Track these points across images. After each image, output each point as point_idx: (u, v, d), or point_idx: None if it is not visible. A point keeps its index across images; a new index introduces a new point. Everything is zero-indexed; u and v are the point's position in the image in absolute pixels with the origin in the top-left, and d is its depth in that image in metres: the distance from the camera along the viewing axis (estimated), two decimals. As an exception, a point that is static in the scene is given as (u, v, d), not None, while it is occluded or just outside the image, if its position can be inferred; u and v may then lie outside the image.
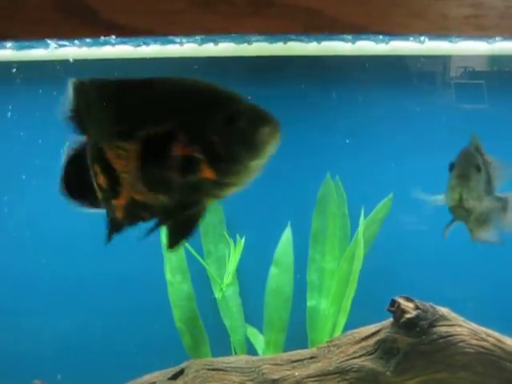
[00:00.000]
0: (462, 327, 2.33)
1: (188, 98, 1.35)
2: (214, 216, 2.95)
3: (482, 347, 2.31)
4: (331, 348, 2.47)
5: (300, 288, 2.98)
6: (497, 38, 2.36)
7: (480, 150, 2.08)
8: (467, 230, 2.17)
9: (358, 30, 1.34)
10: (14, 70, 2.87)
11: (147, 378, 2.63)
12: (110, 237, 1.53)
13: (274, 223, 2.99)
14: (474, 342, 2.31)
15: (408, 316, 2.31)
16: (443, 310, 2.35)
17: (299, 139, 2.99)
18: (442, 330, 2.32)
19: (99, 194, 1.50)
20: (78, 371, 2.96)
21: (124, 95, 1.40)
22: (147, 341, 3.00)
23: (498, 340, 2.34)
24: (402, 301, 2.34)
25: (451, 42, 2.59)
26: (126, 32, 1.46)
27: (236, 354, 2.91)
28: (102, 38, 1.50)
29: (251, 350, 2.96)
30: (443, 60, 3.02)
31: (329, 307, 2.88)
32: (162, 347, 2.95)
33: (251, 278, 3.05)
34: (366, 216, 2.86)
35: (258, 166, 1.34)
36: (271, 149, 1.32)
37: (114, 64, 2.70)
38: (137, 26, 1.45)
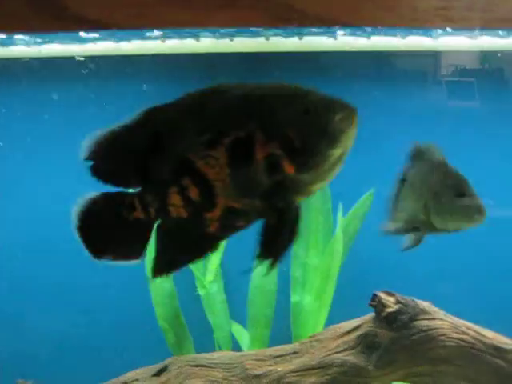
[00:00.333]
0: (442, 321, 2.34)
1: (260, 97, 1.36)
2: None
3: (463, 340, 2.32)
4: (314, 343, 2.47)
5: (285, 284, 2.99)
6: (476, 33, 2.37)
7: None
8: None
9: (327, 22, 1.34)
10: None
11: (131, 374, 2.62)
12: (204, 255, 1.47)
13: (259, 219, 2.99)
14: (454, 335, 2.32)
15: (389, 310, 2.31)
16: (424, 304, 2.36)
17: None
18: (423, 323, 2.32)
19: (182, 212, 1.43)
20: (61, 369, 2.96)
21: (203, 105, 1.39)
22: (131, 338, 2.99)
23: (479, 333, 2.34)
24: (382, 295, 2.34)
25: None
26: (96, 26, 1.45)
27: (221, 350, 2.92)
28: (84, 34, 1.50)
29: (236, 347, 2.97)
30: (425, 56, 3.04)
31: (312, 302, 2.89)
32: (147, 345, 2.95)
33: (237, 274, 3.05)
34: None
35: (338, 157, 1.33)
36: (349, 137, 1.32)
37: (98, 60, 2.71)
38: (107, 20, 1.44)
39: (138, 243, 1.47)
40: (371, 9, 1.41)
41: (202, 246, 1.46)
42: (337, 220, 2.93)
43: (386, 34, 2.72)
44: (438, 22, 1.40)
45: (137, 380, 2.61)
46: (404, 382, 2.45)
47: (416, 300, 2.35)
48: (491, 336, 2.35)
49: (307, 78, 2.98)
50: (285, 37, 2.76)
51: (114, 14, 1.44)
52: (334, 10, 1.38)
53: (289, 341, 2.79)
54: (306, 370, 2.41)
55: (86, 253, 1.46)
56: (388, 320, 2.31)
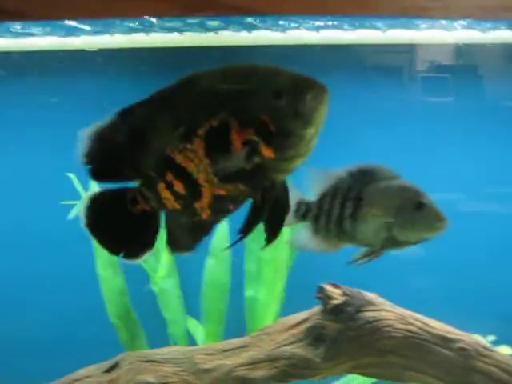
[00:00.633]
0: (388, 312, 2.35)
1: (230, 83, 1.36)
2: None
3: (409, 331, 2.33)
4: (262, 336, 2.46)
5: (242, 278, 2.99)
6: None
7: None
8: None
9: (244, 11, 1.33)
10: None
11: (82, 372, 2.60)
12: (199, 241, 1.52)
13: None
14: (400, 326, 2.33)
15: (335, 302, 2.32)
16: (370, 296, 2.36)
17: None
18: (369, 315, 2.33)
19: (174, 204, 1.47)
20: (10, 368, 2.92)
21: (172, 100, 1.40)
22: (84, 336, 2.97)
23: (425, 324, 2.36)
24: (328, 287, 2.35)
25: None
26: (12, 17, 1.43)
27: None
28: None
29: (193, 342, 2.96)
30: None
31: (267, 296, 2.89)
32: (101, 342, 2.93)
33: (193, 269, 3.04)
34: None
35: (313, 134, 1.34)
36: (322, 114, 1.32)
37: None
38: (23, 10, 1.42)
39: (148, 233, 1.54)
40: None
41: (199, 231, 1.51)
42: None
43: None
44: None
45: (88, 377, 2.59)
46: (353, 373, 2.47)
47: (362, 292, 2.36)
48: (438, 326, 2.36)
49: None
50: (235, 31, 2.76)
51: (30, 4, 1.43)
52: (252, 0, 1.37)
53: (244, 335, 2.78)
54: (255, 363, 2.40)
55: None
56: (334, 312, 2.32)
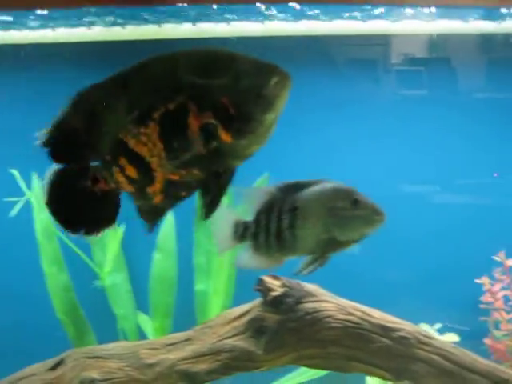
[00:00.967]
0: (328, 303, 2.35)
1: (189, 66, 1.35)
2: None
3: (349, 321, 2.34)
4: (205, 330, 2.46)
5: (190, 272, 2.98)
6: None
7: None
8: None
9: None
10: None
11: (27, 370, 2.58)
12: (153, 225, 1.52)
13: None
14: (340, 316, 2.34)
15: (274, 294, 2.32)
16: (310, 287, 2.37)
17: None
18: (309, 306, 2.33)
19: (129, 187, 1.47)
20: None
21: (127, 83, 1.38)
22: (31, 334, 2.94)
23: (366, 313, 2.36)
24: (268, 279, 2.34)
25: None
26: None
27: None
28: None
29: (143, 337, 2.95)
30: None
31: (216, 290, 2.88)
32: (48, 339, 2.91)
33: (143, 264, 3.02)
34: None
35: (272, 120, 1.34)
36: (282, 100, 1.32)
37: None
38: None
39: (108, 212, 1.53)
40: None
41: (153, 215, 1.51)
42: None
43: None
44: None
45: (34, 375, 2.58)
46: (297, 364, 2.47)
47: (301, 283, 2.36)
48: (378, 316, 2.37)
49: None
50: (179, 23, 2.74)
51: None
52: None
53: (193, 329, 2.78)
54: (198, 356, 2.40)
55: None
56: (274, 303, 2.32)
